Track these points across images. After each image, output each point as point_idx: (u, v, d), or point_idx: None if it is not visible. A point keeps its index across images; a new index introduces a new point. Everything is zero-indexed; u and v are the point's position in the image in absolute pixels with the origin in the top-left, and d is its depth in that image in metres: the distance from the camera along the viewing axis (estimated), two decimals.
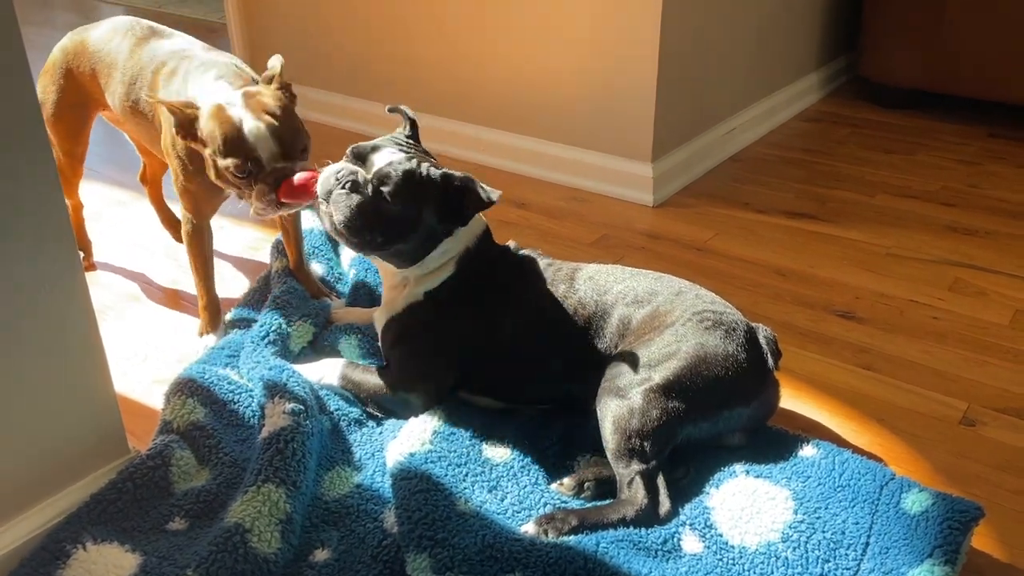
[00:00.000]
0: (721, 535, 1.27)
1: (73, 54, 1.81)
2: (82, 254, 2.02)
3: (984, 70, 2.96)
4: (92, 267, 2.08)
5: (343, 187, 1.40)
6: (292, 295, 1.74)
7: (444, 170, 1.44)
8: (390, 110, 1.59)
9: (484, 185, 1.41)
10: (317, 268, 1.93)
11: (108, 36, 1.77)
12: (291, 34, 3.16)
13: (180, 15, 4.84)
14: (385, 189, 1.39)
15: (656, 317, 1.44)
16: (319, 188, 1.43)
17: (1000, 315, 1.92)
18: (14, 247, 1.15)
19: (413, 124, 1.55)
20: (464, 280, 1.51)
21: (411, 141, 1.52)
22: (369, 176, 1.41)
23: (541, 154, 2.65)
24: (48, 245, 1.19)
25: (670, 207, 2.48)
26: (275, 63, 1.58)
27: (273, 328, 1.62)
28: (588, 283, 1.51)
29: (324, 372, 1.57)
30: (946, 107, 3.20)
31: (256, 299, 1.82)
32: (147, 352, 1.78)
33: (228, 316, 1.79)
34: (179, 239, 2.19)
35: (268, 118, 1.46)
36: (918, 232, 2.31)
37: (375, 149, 1.45)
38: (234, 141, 1.45)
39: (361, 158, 1.44)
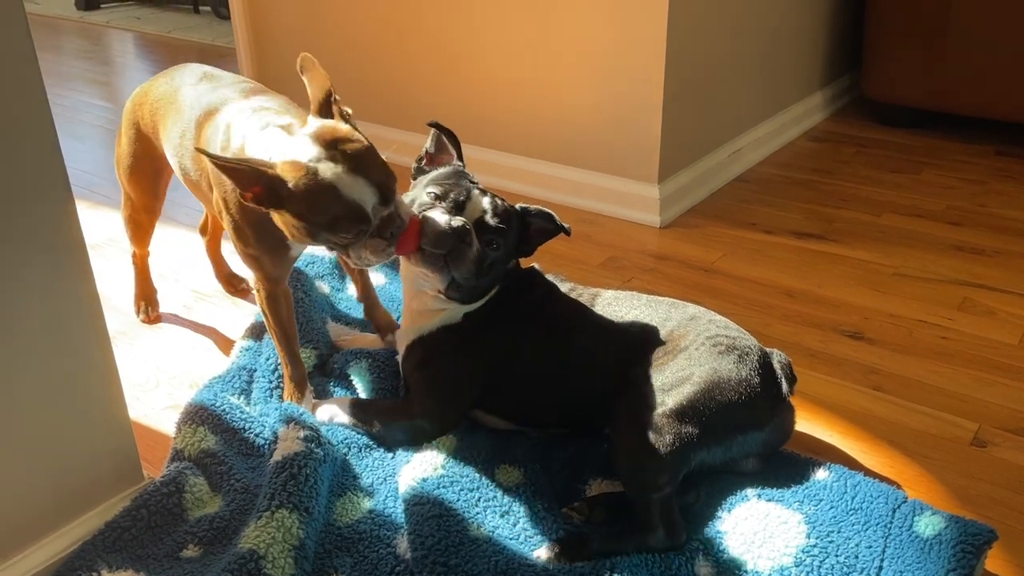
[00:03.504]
0: (734, 559, 1.26)
1: (137, 105, 1.71)
2: (148, 305, 2.01)
3: (989, 88, 2.97)
4: (159, 318, 2.01)
5: (463, 245, 1.38)
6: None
7: (521, 205, 1.50)
8: (431, 124, 1.59)
9: (557, 217, 1.50)
10: (323, 287, 1.94)
11: (166, 84, 1.66)
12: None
13: (189, 40, 4.90)
14: (490, 238, 1.43)
15: (670, 341, 1.45)
16: (432, 241, 1.38)
17: (1009, 335, 1.92)
18: (29, 274, 1.16)
19: (457, 143, 1.57)
20: (502, 302, 1.53)
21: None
22: (471, 225, 1.41)
23: (548, 176, 2.67)
24: (63, 271, 1.20)
25: (677, 228, 2.49)
26: (321, 80, 1.37)
27: (279, 359, 1.63)
28: (607, 308, 1.53)
29: (334, 412, 1.56)
30: (951, 126, 3.21)
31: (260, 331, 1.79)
32: (159, 378, 1.79)
33: (236, 349, 1.78)
34: (232, 293, 2.14)
35: (358, 166, 1.27)
36: (925, 252, 2.32)
37: (467, 194, 1.44)
38: (334, 206, 1.26)
39: (458, 205, 1.42)
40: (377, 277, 2.03)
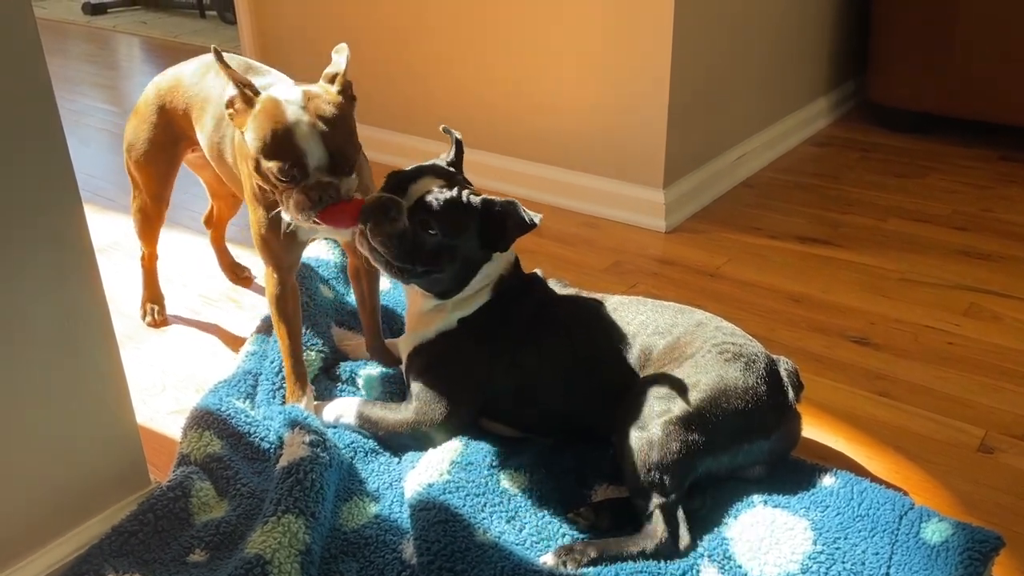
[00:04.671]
0: (740, 566, 1.26)
1: (168, 90, 1.75)
2: (155, 307, 2.02)
3: (994, 93, 2.97)
4: (165, 321, 2.02)
5: (383, 216, 1.38)
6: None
7: (484, 196, 1.45)
8: (444, 130, 1.58)
9: (525, 209, 1.43)
10: (328, 292, 1.95)
11: (202, 71, 1.71)
12: (309, 60, 3.20)
13: (196, 45, 4.91)
14: (425, 219, 1.40)
15: (676, 348, 1.44)
16: (360, 216, 1.40)
17: (1016, 340, 1.91)
18: (37, 277, 1.16)
19: (459, 146, 1.56)
20: (498, 307, 1.52)
21: (452, 167, 1.52)
22: (409, 205, 1.41)
23: (553, 181, 2.67)
24: (71, 275, 1.20)
25: (682, 233, 2.49)
26: (340, 59, 1.46)
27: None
28: (612, 314, 1.52)
29: (340, 412, 1.56)
30: (956, 130, 3.21)
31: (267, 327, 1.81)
32: (166, 382, 1.79)
33: (241, 353, 1.79)
34: (236, 282, 2.17)
35: (323, 125, 1.36)
36: (931, 257, 2.31)
37: (415, 178, 1.45)
38: (282, 142, 1.35)
39: (401, 187, 1.44)
40: (384, 282, 2.03)
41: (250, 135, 1.39)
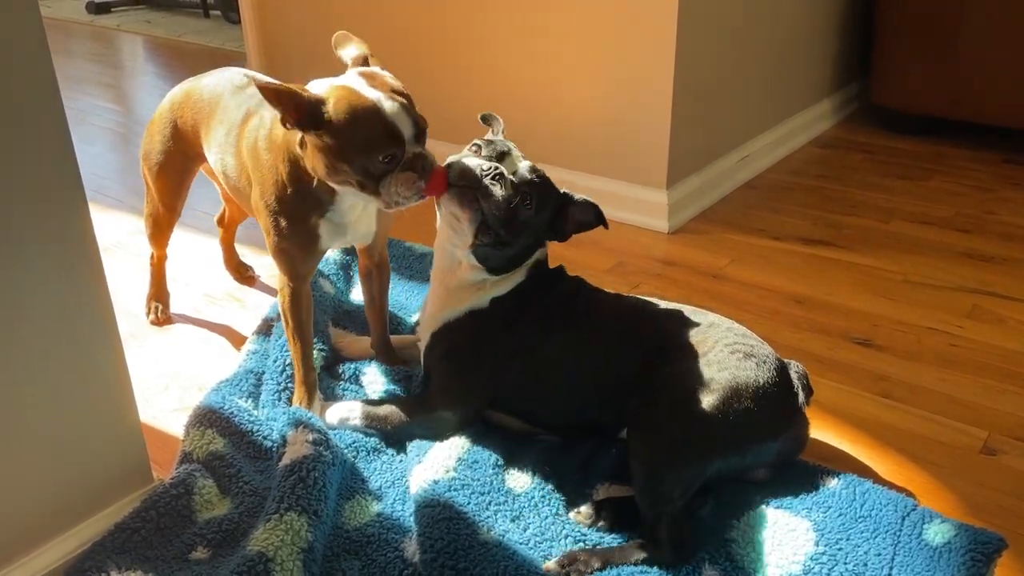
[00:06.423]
0: (743, 567, 1.26)
1: (179, 105, 1.75)
2: (159, 306, 2.03)
3: (997, 96, 2.97)
4: (168, 320, 2.02)
5: (492, 179, 1.39)
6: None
7: (564, 189, 1.50)
8: (482, 117, 1.61)
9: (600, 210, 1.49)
10: (329, 288, 1.95)
11: (212, 86, 1.69)
12: (312, 60, 3.21)
13: (199, 44, 4.91)
14: (526, 192, 1.42)
15: (688, 348, 1.43)
16: (458, 175, 1.39)
17: (1019, 342, 1.91)
18: (41, 275, 1.16)
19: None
20: (529, 290, 1.52)
21: None
22: (511, 176, 1.42)
23: (556, 181, 2.66)
24: (76, 273, 1.20)
25: (685, 234, 2.49)
26: (360, 45, 1.46)
27: (288, 362, 1.63)
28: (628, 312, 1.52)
29: (345, 414, 1.56)
30: (959, 133, 3.21)
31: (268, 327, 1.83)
32: (168, 380, 1.80)
33: (243, 352, 1.79)
34: (240, 281, 2.19)
35: (400, 98, 1.33)
36: (934, 259, 2.31)
37: (506, 151, 1.46)
38: (375, 127, 1.30)
39: (498, 156, 1.44)
40: None
41: (331, 135, 1.31)
